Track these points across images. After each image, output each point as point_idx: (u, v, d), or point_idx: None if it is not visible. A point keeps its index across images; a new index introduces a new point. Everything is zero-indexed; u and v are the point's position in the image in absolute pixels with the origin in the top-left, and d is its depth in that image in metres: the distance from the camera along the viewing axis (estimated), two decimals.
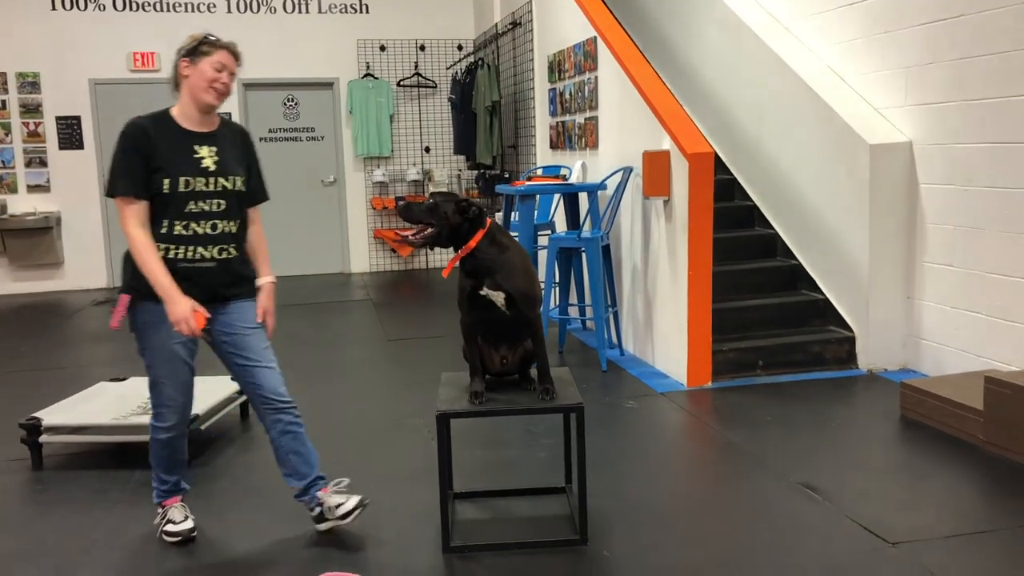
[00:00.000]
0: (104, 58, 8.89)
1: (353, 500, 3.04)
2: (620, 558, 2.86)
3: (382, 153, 9.57)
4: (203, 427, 3.98)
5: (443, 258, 9.97)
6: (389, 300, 7.98)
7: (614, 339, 5.67)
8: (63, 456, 3.99)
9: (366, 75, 9.49)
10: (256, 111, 9.39)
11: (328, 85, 9.52)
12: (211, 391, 4.29)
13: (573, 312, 6.20)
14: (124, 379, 4.64)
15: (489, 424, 4.23)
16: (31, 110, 8.78)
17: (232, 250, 2.90)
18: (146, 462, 3.83)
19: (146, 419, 3.89)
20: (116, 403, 4.20)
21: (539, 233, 6.15)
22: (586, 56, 6.19)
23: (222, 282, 2.89)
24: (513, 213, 5.99)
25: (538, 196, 6.08)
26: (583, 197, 6.15)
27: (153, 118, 2.84)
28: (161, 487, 3.11)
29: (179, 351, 2.92)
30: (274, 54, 9.28)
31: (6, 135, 8.73)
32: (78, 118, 8.89)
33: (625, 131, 5.60)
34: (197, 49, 2.83)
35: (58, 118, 8.83)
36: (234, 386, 4.41)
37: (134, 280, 2.83)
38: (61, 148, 8.87)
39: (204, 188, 2.81)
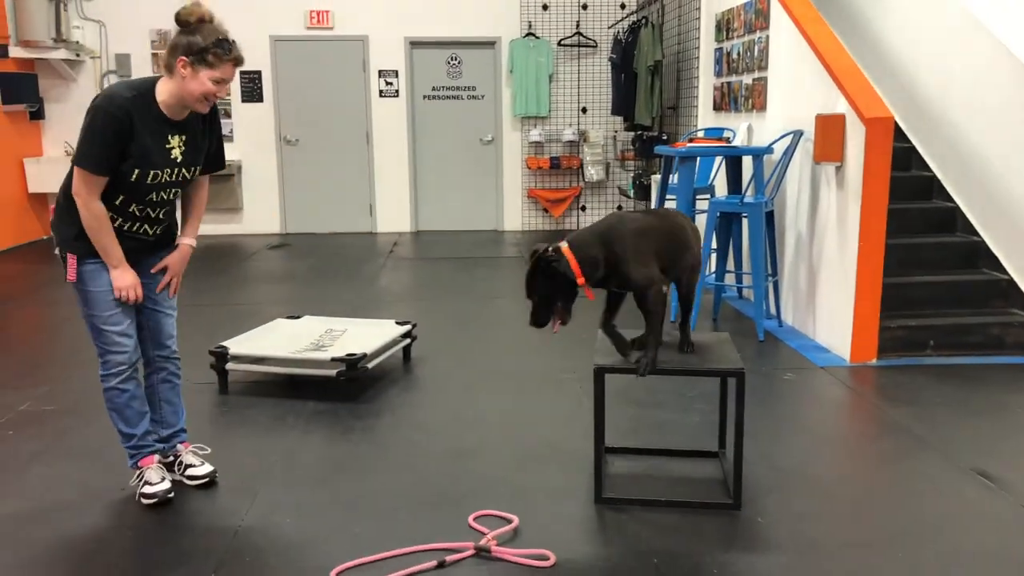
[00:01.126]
0: (283, 16, 9.36)
1: (206, 468, 3.17)
2: (774, 525, 2.82)
3: (540, 113, 9.62)
4: (369, 366, 4.21)
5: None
6: None
7: (772, 309, 5.51)
8: (244, 383, 4.33)
9: (528, 34, 9.53)
10: (420, 68, 9.64)
11: (491, 44, 9.63)
12: (376, 334, 4.52)
13: (730, 280, 6.07)
14: (299, 317, 4.95)
15: (643, 385, 4.24)
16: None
17: (167, 225, 3.01)
18: (319, 393, 4.13)
19: (318, 355, 4.17)
20: (291, 338, 4.50)
21: (698, 197, 6.04)
22: (757, 14, 5.96)
23: (152, 250, 2.99)
24: (672, 176, 5.91)
25: (699, 158, 5.95)
26: (747, 161, 5.98)
27: (136, 98, 2.72)
28: (127, 444, 3.02)
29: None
30: (440, 13, 9.48)
31: None
32: (259, 73, 9.43)
33: (796, 93, 5.38)
34: (203, 56, 2.71)
35: (242, 73, 9.40)
36: (399, 329, 4.63)
37: (78, 241, 2.82)
38: (243, 101, 9.46)
39: (168, 178, 2.84)
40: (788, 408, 3.96)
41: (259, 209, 9.65)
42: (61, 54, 8.77)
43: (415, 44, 9.57)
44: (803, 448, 3.49)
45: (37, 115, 9.09)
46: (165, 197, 2.90)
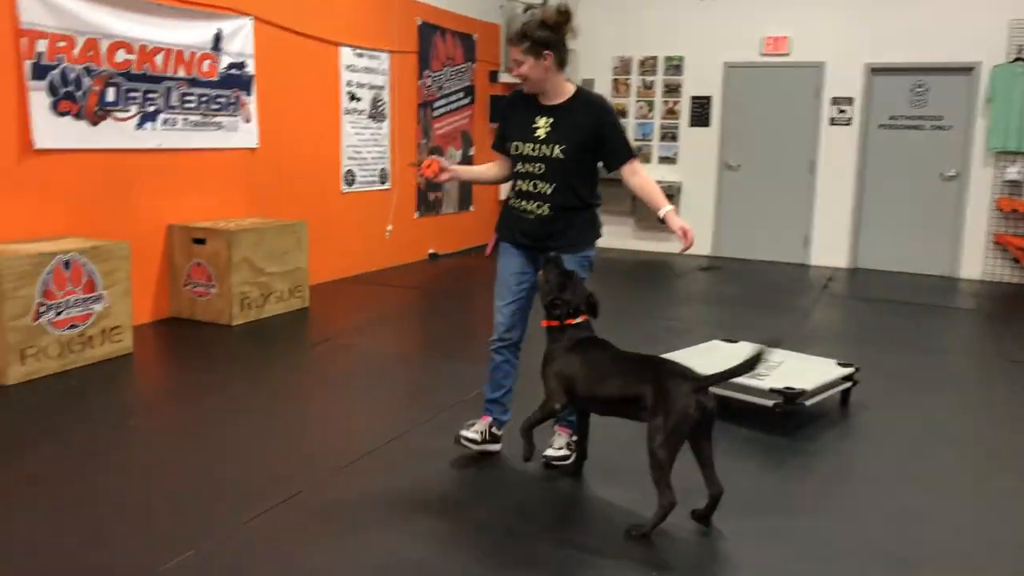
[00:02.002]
0: (738, 42, 9.46)
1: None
2: None
3: (1020, 148, 8.45)
4: (808, 403, 4.06)
5: None
6: (1005, 315, 7.10)
7: None
8: None
9: (1016, 59, 8.43)
10: (879, 96, 9.06)
11: (967, 70, 8.70)
12: (816, 371, 4.35)
13: None
14: (735, 341, 4.97)
15: None
16: (672, 90, 9.82)
17: (547, 208, 3.36)
18: (751, 421, 4.10)
19: (754, 382, 4.12)
20: (727, 361, 4.49)
21: None
22: None
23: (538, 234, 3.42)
24: None
25: None
26: None
27: None
28: (485, 400, 3.61)
29: (508, 279, 3.51)
30: (908, 37, 8.81)
31: (649, 111, 9.93)
32: (709, 98, 9.66)
33: None
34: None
35: (693, 98, 9.72)
36: (841, 371, 4.40)
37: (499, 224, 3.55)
38: (691, 125, 9.76)
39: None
40: None
41: (693, 231, 9.85)
42: None
43: (876, 71, 9.02)
44: None
45: None
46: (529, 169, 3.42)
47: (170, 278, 5.80)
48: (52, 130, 4.86)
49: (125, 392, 4.42)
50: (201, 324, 5.68)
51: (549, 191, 3.34)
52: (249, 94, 6.27)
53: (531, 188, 3.37)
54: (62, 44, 4.87)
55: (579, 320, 3.26)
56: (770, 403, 4.00)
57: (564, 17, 3.28)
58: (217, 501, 3.09)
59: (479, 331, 5.83)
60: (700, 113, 9.74)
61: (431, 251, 8.93)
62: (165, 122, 5.59)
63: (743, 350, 4.77)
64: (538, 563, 2.73)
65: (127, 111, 5.30)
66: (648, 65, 9.88)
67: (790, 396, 3.95)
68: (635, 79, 9.95)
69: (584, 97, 3.37)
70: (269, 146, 6.54)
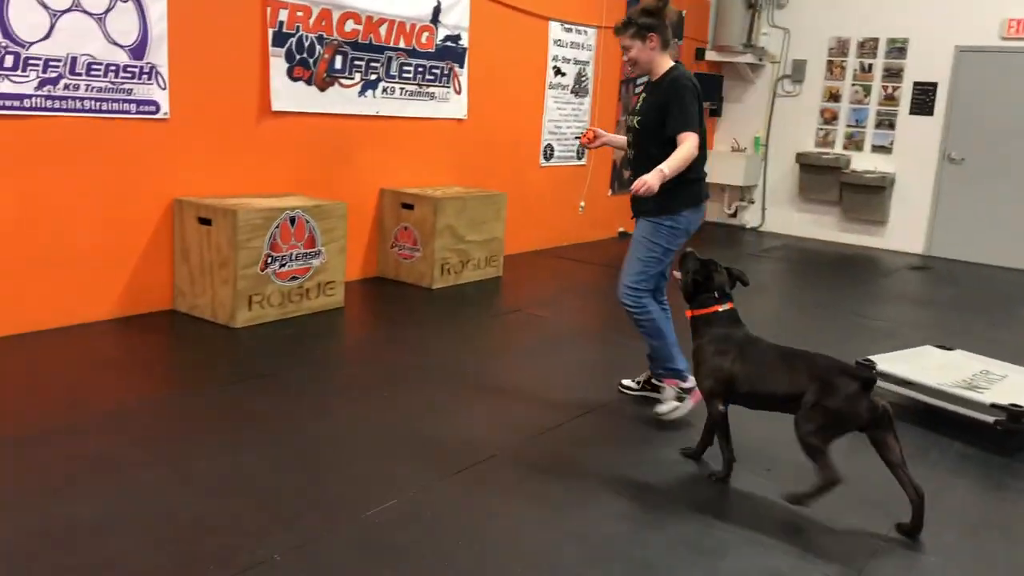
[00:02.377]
0: (974, 25, 8.66)
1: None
2: None
3: None
4: None
5: None
6: None
7: None
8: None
9: None
10: None
11: None
12: None
13: None
14: (951, 349, 4.61)
15: None
16: (892, 75, 9.16)
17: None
18: (967, 436, 3.80)
19: (973, 395, 3.82)
20: (941, 369, 4.21)
21: None
22: None
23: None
24: None
25: None
26: None
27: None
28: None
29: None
30: None
31: (865, 96, 9.32)
32: (935, 85, 8.93)
33: None
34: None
35: (915, 83, 9.02)
36: None
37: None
38: (911, 113, 9.08)
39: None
40: None
41: (905, 226, 9.22)
42: (747, 58, 9.51)
43: None
44: None
45: (716, 113, 10.06)
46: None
47: (379, 239, 6.13)
48: (287, 94, 5.24)
49: (336, 343, 4.73)
50: (404, 285, 5.97)
51: (632, 157, 3.87)
52: (462, 66, 6.46)
53: (630, 156, 3.92)
54: (300, 14, 5.23)
55: (726, 307, 3.28)
56: (990, 419, 3.69)
57: (663, 2, 3.65)
58: (416, 455, 3.26)
59: None
60: (923, 100, 9.03)
61: (621, 229, 8.89)
62: (384, 90, 5.88)
63: (959, 359, 4.43)
64: (728, 554, 2.68)
65: (351, 79, 5.63)
66: (868, 47, 9.26)
67: (1015, 414, 3.62)
68: (852, 61, 9.37)
69: (670, 73, 3.69)
70: (476, 118, 6.73)
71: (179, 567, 2.42)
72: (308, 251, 5.01)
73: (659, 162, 3.51)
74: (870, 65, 9.27)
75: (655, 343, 3.79)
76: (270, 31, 5.09)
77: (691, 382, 3.72)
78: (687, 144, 3.53)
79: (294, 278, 4.96)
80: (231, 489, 2.90)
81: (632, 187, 3.55)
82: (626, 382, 4.13)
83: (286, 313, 4.94)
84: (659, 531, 2.81)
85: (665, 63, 3.72)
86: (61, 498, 2.75)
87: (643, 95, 3.79)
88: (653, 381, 3.96)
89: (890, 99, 9.20)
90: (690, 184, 3.69)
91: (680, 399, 3.79)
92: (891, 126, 9.20)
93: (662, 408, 3.79)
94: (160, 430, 3.33)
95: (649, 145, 3.70)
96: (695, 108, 3.59)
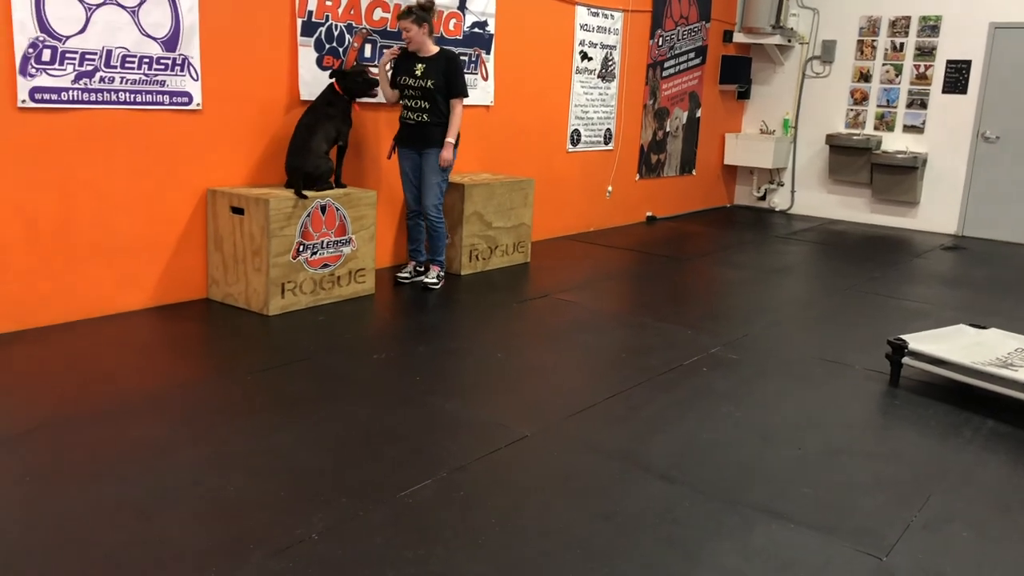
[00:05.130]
0: (1009, 0, 8.50)
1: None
2: None
3: None
4: None
5: None
6: None
7: None
8: (916, 381, 4.19)
9: None
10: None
11: None
12: None
13: None
14: (985, 327, 4.57)
15: None
16: (924, 53, 9.02)
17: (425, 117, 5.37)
18: (999, 413, 3.78)
19: (1007, 372, 3.80)
20: (974, 348, 4.18)
21: None
22: None
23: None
24: None
25: None
26: None
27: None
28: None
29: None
30: None
31: (896, 76, 9.20)
32: (968, 62, 8.78)
33: None
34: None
35: (948, 62, 8.88)
36: None
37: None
38: (944, 92, 8.94)
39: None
40: None
41: (937, 206, 9.11)
42: (775, 40, 9.41)
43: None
44: None
45: (744, 95, 9.98)
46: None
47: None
48: (315, 82, 5.29)
49: (367, 329, 4.80)
50: None
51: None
52: (488, 53, 6.48)
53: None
54: (329, 3, 5.28)
55: None
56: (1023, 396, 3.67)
57: (431, 2, 5.29)
58: (449, 436, 3.31)
59: (692, 296, 5.76)
60: (956, 79, 8.89)
61: (648, 214, 8.87)
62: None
63: (993, 337, 4.40)
64: (756, 531, 2.70)
65: (374, 67, 5.67)
66: (899, 25, 9.13)
67: None
68: (883, 40, 9.24)
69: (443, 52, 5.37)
70: (503, 104, 6.74)
71: (222, 545, 2.49)
72: (339, 239, 5.08)
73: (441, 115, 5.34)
74: (902, 44, 9.14)
75: (441, 243, 5.58)
76: (299, 21, 5.15)
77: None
78: (460, 108, 5.42)
79: (325, 265, 5.03)
80: (269, 470, 2.97)
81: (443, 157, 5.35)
82: (402, 275, 5.69)
83: (318, 300, 5.02)
84: (687, 509, 2.84)
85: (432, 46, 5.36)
86: (108, 479, 2.84)
87: (422, 65, 5.29)
88: (418, 268, 5.75)
89: (922, 78, 9.06)
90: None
91: (440, 277, 5.63)
92: (923, 105, 9.08)
93: (431, 279, 5.57)
94: (199, 413, 3.41)
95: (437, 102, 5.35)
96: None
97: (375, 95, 5.44)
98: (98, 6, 4.26)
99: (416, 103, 5.35)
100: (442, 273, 5.66)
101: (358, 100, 5.26)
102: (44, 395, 3.50)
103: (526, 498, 2.87)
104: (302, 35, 5.18)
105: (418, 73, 5.29)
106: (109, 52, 4.33)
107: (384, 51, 5.64)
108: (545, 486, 2.96)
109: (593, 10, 7.53)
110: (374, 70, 5.46)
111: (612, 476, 3.05)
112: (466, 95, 5.42)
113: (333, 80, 5.09)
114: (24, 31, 4.01)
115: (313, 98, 5.23)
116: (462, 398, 3.73)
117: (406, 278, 5.69)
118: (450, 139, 5.33)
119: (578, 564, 2.50)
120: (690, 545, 2.62)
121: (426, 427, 3.39)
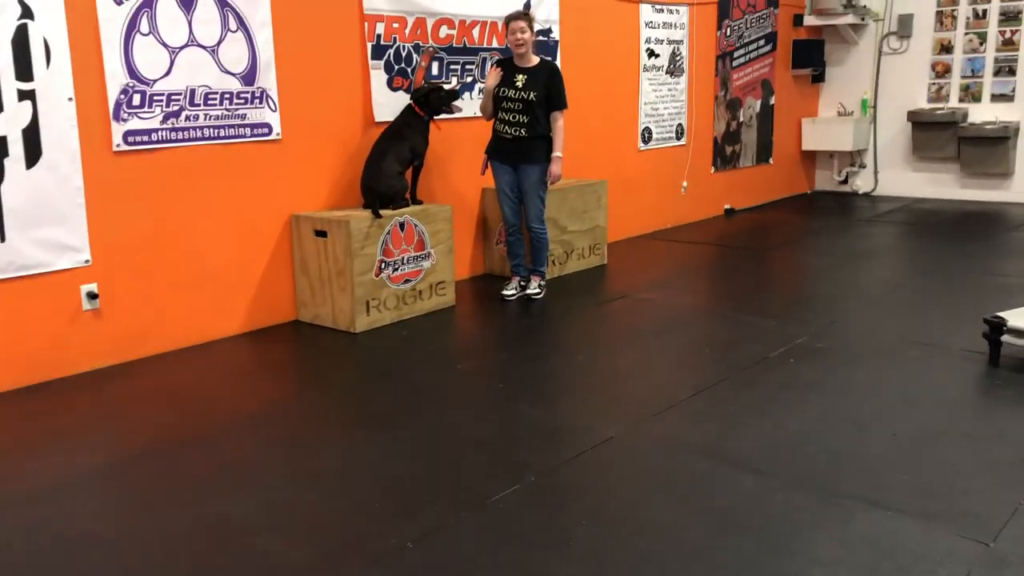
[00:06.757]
0: None
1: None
2: None
3: None
4: None
5: None
6: None
7: None
8: (1018, 360, 4.02)
9: None
10: None
11: None
12: None
13: None
14: None
15: None
16: (1010, 18, 8.63)
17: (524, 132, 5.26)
18: None
19: None
20: None
21: None
22: None
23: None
24: None
25: None
26: None
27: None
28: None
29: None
30: None
31: (980, 44, 8.82)
32: None
33: None
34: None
35: None
36: None
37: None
38: None
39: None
40: None
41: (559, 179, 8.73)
42: (848, 19, 9.16)
43: None
44: None
45: (818, 78, 9.74)
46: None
47: (484, 238, 6.27)
48: (388, 104, 5.44)
49: (450, 340, 4.89)
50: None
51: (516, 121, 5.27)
52: (554, 59, 6.52)
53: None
54: (396, 25, 5.42)
55: None
56: None
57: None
58: (535, 441, 3.35)
59: (775, 286, 5.65)
60: None
61: (727, 206, 8.74)
62: (480, 91, 6.00)
63: None
64: (854, 520, 2.65)
65: (448, 83, 5.78)
66: None
67: None
68: (963, 9, 8.88)
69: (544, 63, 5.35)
70: (571, 107, 6.74)
71: (321, 556, 2.59)
72: (418, 254, 5.19)
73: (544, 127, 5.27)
74: (984, 11, 8.76)
75: (544, 253, 5.56)
76: (368, 45, 5.30)
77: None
78: (562, 120, 5.33)
79: (407, 281, 5.15)
80: (361, 482, 3.07)
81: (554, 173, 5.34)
82: (507, 292, 5.52)
83: (401, 315, 5.14)
84: (780, 501, 2.80)
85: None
86: (210, 498, 2.98)
87: (522, 76, 5.21)
88: (521, 283, 5.57)
89: (1008, 44, 8.67)
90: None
91: (541, 286, 5.55)
92: (1011, 72, 8.68)
93: (533, 289, 5.50)
94: (294, 431, 3.55)
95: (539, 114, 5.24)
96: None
97: (455, 111, 5.39)
98: (181, 48, 4.48)
99: (515, 116, 5.22)
100: (543, 282, 5.56)
101: (436, 118, 5.34)
102: (147, 423, 3.70)
103: (615, 499, 2.89)
104: (372, 58, 5.33)
105: (519, 85, 5.16)
106: (192, 91, 4.55)
107: (488, 66, 5.61)
108: (633, 486, 2.97)
109: (658, 7, 7.49)
110: (447, 87, 5.45)
111: (701, 473, 3.03)
112: (567, 107, 5.31)
113: (412, 101, 5.20)
114: (115, 79, 4.26)
115: (387, 119, 5.37)
116: (545, 403, 3.77)
117: (511, 295, 5.51)
118: (558, 153, 5.23)
119: (672, 562, 2.50)
120: (785, 538, 2.59)
121: (512, 433, 3.44)
